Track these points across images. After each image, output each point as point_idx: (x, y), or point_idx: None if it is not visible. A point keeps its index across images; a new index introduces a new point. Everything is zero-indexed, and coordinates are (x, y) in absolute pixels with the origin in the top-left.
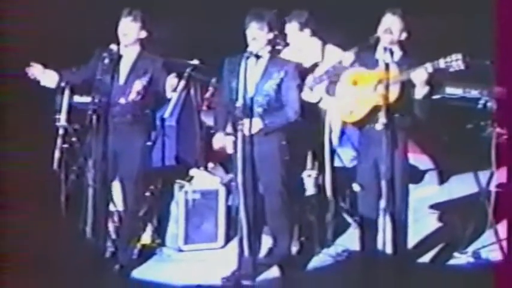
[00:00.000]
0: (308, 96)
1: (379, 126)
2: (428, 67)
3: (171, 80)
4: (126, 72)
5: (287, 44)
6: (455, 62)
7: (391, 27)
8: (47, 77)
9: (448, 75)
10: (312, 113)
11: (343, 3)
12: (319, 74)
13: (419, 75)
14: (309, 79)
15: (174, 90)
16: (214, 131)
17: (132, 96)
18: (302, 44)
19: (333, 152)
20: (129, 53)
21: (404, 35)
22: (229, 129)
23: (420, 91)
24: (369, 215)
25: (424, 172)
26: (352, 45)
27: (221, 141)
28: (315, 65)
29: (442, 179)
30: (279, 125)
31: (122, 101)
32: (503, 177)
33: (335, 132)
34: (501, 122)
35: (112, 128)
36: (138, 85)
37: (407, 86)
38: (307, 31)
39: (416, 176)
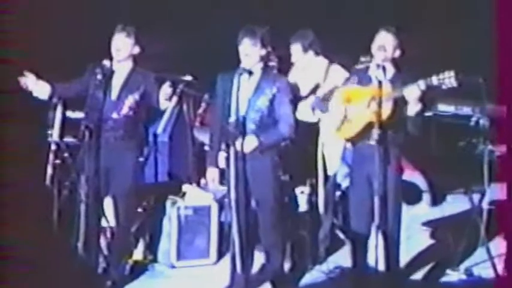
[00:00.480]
0: (308, 116)
1: (371, 141)
2: (421, 84)
3: (166, 89)
4: (118, 87)
5: (280, 60)
6: (448, 79)
7: (384, 44)
8: (39, 88)
9: (441, 92)
10: (308, 131)
11: (338, 21)
12: (322, 93)
13: (412, 92)
14: (311, 99)
15: (169, 99)
16: (209, 156)
17: (125, 111)
18: (306, 65)
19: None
20: (121, 68)
21: (398, 53)
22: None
23: (413, 108)
24: (361, 231)
25: (416, 190)
26: (348, 62)
27: (214, 174)
28: (317, 86)
29: (435, 200)
30: (275, 141)
31: (115, 115)
32: (495, 194)
33: (333, 151)
34: (494, 139)
35: (104, 143)
36: (131, 100)
37: (400, 103)
38: (311, 52)
39: (415, 195)
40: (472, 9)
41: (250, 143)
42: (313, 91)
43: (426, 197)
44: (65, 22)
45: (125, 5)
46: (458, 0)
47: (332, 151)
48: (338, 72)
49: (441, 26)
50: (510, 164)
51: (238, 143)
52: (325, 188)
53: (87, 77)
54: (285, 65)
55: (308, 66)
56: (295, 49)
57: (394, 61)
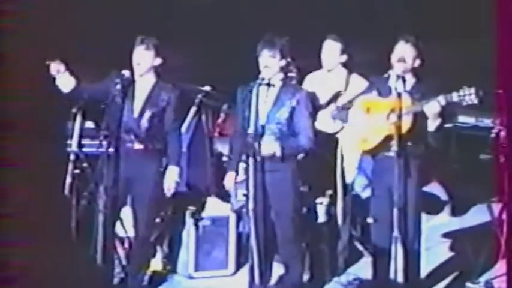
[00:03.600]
0: (328, 125)
1: (391, 153)
2: (441, 100)
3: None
4: (141, 104)
5: (299, 70)
6: (469, 96)
7: (404, 55)
8: (64, 79)
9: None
10: (327, 141)
11: (357, 31)
12: (342, 103)
13: (432, 108)
14: (332, 108)
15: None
16: (228, 166)
17: (145, 126)
18: (333, 68)
19: (345, 180)
20: (144, 82)
21: (418, 62)
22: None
23: (433, 123)
24: (381, 244)
25: (445, 203)
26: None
27: (232, 180)
28: (338, 94)
29: (455, 211)
30: (294, 150)
31: (136, 130)
32: None
33: (352, 162)
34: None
35: (124, 154)
36: (152, 117)
37: (419, 117)
38: (343, 57)
39: (435, 206)
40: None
41: (270, 145)
42: (334, 99)
43: (447, 208)
44: (86, 33)
45: (145, 16)
46: (477, 11)
47: (351, 162)
48: (358, 82)
49: (461, 34)
50: None
51: (257, 152)
52: (343, 199)
53: (108, 82)
54: (305, 76)
55: (333, 72)
56: (333, 46)
57: (414, 71)
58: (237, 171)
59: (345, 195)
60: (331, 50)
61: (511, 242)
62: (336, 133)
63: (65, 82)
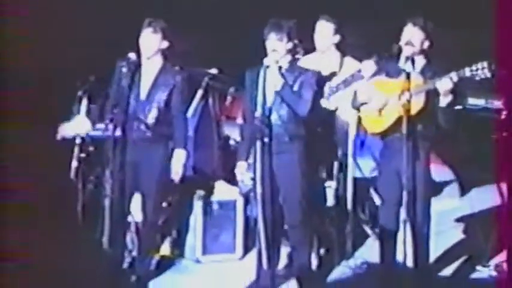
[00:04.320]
0: (325, 104)
1: (400, 135)
2: (454, 76)
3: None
4: (148, 87)
5: (307, 52)
6: (481, 70)
7: (412, 39)
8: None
9: (472, 85)
10: (331, 124)
11: (363, 12)
12: (336, 83)
13: (445, 85)
14: (326, 88)
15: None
16: (239, 150)
17: (153, 114)
18: (327, 49)
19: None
20: (151, 65)
21: (426, 44)
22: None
23: (444, 100)
24: (389, 227)
25: (443, 184)
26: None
27: (243, 170)
28: (333, 74)
29: (464, 191)
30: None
31: (143, 117)
32: None
33: (350, 142)
34: None
35: (131, 140)
36: (159, 102)
37: (431, 95)
38: (336, 37)
39: (436, 188)
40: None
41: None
42: (329, 79)
43: (455, 190)
44: (94, 17)
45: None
46: None
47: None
48: (352, 64)
49: (471, 16)
50: None
51: (265, 134)
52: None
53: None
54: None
55: (326, 53)
56: (326, 27)
57: (424, 52)
58: (247, 159)
59: (353, 178)
60: (324, 31)
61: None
62: (334, 111)
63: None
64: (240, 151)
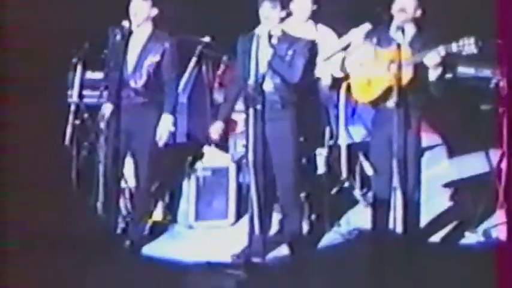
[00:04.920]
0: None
1: (390, 104)
2: (441, 51)
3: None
4: (136, 54)
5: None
6: (468, 46)
7: (405, 6)
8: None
9: (461, 56)
10: (323, 92)
11: None
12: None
13: (432, 59)
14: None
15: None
16: (220, 110)
17: (143, 79)
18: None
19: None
20: (140, 33)
21: (418, 12)
22: (240, 106)
23: (433, 73)
24: (381, 195)
25: (433, 150)
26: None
27: (218, 130)
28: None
29: (452, 157)
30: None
31: (132, 84)
32: None
33: (341, 110)
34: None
35: (123, 108)
36: (149, 65)
37: (420, 68)
38: (314, 7)
39: (434, 156)
40: None
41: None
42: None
43: (444, 156)
44: None
45: None
46: None
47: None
48: (326, 32)
49: None
50: None
51: (258, 101)
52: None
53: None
54: None
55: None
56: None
57: (415, 21)
58: (225, 120)
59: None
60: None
61: (510, 191)
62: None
63: None
64: (220, 111)
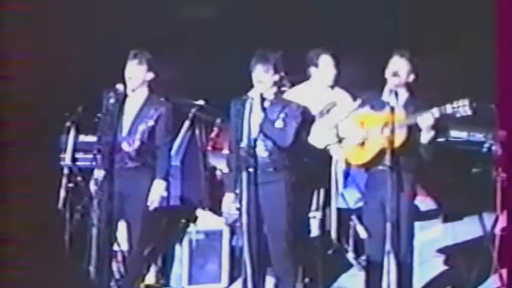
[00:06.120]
0: (322, 140)
1: (384, 168)
2: (435, 112)
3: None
4: (131, 119)
5: (293, 85)
6: (462, 107)
7: (398, 70)
8: None
9: (454, 118)
10: (317, 155)
11: (351, 45)
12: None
13: (426, 120)
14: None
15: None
16: (226, 181)
17: (137, 144)
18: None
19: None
20: (136, 98)
21: (411, 77)
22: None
23: (426, 136)
24: (374, 258)
25: (427, 215)
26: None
27: (231, 200)
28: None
29: (446, 221)
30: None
31: (126, 148)
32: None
33: (339, 174)
34: (504, 165)
35: (117, 172)
36: (143, 133)
37: (413, 130)
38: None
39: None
40: (483, 34)
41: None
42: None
43: (438, 221)
44: (79, 48)
45: (138, 30)
46: (469, 24)
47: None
48: (341, 96)
49: (453, 50)
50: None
51: (251, 164)
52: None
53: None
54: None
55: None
56: (326, 60)
57: (408, 85)
58: (234, 190)
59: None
60: (329, 65)
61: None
62: (329, 147)
63: None
64: (227, 182)
